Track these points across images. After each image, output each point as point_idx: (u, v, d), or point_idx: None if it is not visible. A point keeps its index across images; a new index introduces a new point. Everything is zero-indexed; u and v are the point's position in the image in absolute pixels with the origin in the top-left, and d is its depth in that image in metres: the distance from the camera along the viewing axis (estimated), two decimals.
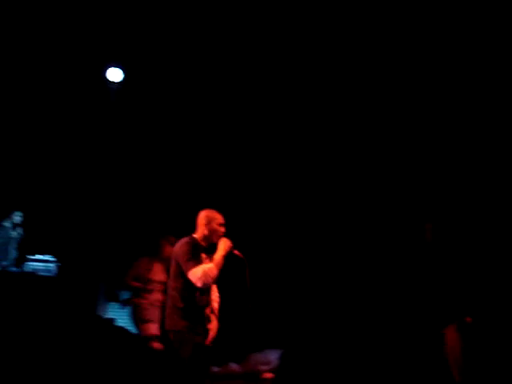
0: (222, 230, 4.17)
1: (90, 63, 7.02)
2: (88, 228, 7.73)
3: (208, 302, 4.09)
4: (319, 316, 7.03)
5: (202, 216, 4.19)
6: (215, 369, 6.08)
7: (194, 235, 4.16)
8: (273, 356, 6.45)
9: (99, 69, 7.06)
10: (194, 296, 3.96)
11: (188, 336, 3.91)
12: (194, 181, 7.60)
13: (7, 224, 7.51)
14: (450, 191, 6.91)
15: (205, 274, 3.85)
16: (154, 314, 5.70)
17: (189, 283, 3.93)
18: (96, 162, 7.89)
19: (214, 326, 4.13)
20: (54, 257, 7.45)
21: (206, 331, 4.04)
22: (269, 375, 6.19)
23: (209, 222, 4.15)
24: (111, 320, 6.56)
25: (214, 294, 4.30)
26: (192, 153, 7.62)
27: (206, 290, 4.04)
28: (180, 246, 4.05)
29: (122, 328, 6.39)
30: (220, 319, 4.54)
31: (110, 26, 6.53)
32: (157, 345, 5.50)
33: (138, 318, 5.77)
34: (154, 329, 5.64)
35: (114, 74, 7.13)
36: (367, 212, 7.32)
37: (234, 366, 6.32)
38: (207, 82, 7.17)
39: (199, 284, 3.86)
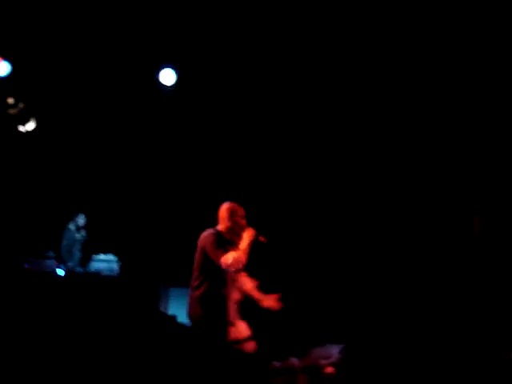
0: (244, 222, 4.29)
1: (143, 65, 7.17)
2: (149, 228, 7.91)
3: (228, 294, 4.19)
4: (379, 310, 6.96)
5: (224, 209, 4.35)
6: (276, 364, 6.12)
7: (218, 228, 4.31)
8: (334, 350, 6.42)
9: (153, 71, 7.21)
10: (215, 286, 4.07)
11: (205, 326, 4.10)
12: (245, 179, 7.66)
13: (71, 226, 7.80)
14: (497, 182, 6.70)
15: (235, 259, 4.02)
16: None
17: (215, 273, 4.11)
18: (152, 162, 8.06)
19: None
20: (117, 257, 7.69)
21: (227, 322, 4.16)
22: (330, 369, 6.17)
23: (232, 214, 4.30)
24: (174, 317, 6.69)
25: (242, 281, 4.43)
26: (248, 151, 7.68)
27: (227, 280, 4.17)
28: (206, 237, 4.21)
29: (183, 325, 6.51)
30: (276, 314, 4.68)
31: (163, 28, 6.65)
32: (251, 346, 5.39)
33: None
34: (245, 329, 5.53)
35: (167, 77, 7.23)
36: (412, 206, 7.20)
37: (294, 361, 6.33)
38: (255, 85, 7.21)
39: (232, 269, 4.06)
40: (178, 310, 7.21)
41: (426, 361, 6.02)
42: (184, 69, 7.27)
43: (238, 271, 4.11)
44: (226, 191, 7.55)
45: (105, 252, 7.68)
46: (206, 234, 4.24)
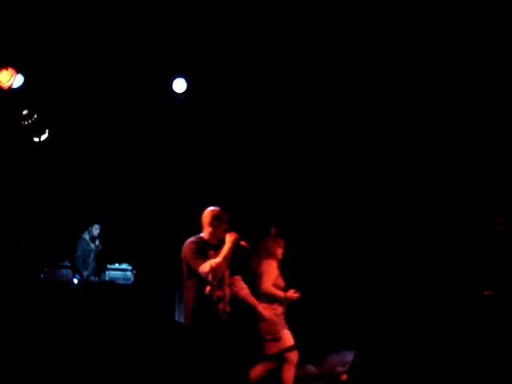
0: (226, 226, 4.25)
1: (155, 74, 7.21)
2: (163, 236, 7.92)
3: (221, 297, 4.16)
4: (390, 315, 6.90)
5: (206, 215, 4.31)
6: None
7: (201, 234, 4.27)
8: (350, 357, 6.37)
9: (165, 80, 7.24)
10: (205, 293, 4.05)
11: (194, 337, 4.04)
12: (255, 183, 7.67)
13: (86, 236, 7.84)
14: None
15: (212, 267, 3.98)
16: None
17: (199, 281, 4.06)
18: (165, 170, 8.08)
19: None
20: (131, 265, 7.71)
21: (220, 326, 4.13)
22: (346, 377, 6.12)
23: (213, 220, 4.25)
24: None
25: (238, 285, 4.44)
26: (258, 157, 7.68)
27: (217, 284, 4.12)
28: (186, 246, 4.19)
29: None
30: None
31: (174, 37, 6.68)
32: (295, 355, 5.20)
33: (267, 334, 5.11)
34: (290, 339, 5.22)
35: (179, 85, 7.26)
36: (432, 207, 7.14)
37: (310, 368, 6.28)
38: (264, 91, 7.22)
39: (210, 278, 4.00)
40: None
41: (437, 365, 5.96)
42: (194, 77, 7.29)
43: (216, 279, 4.05)
44: (233, 198, 7.61)
45: (119, 261, 7.70)
46: (186, 243, 4.22)
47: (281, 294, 5.12)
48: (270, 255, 5.29)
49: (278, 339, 5.09)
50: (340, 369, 6.10)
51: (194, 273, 4.08)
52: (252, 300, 4.53)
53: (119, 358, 5.86)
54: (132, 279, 7.55)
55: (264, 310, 4.56)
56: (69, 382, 5.37)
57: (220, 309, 4.17)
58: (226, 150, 7.69)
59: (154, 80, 7.27)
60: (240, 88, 7.28)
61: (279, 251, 5.37)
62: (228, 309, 4.24)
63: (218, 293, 4.16)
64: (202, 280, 4.06)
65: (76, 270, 7.63)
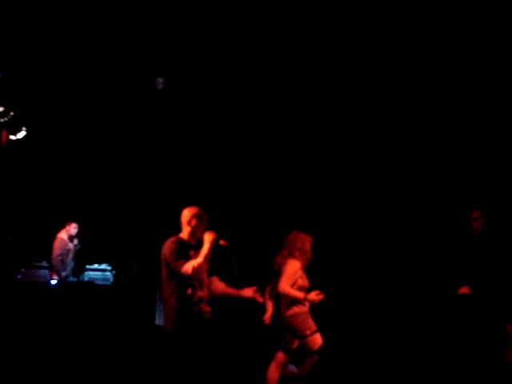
0: (205, 225, 4.22)
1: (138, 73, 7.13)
2: (144, 236, 7.85)
3: (202, 298, 4.14)
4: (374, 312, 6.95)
5: (184, 215, 4.26)
6: (294, 369, 6.08)
7: (181, 235, 4.23)
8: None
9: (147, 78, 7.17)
10: (186, 294, 4.02)
11: (177, 339, 4.01)
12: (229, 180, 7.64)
13: (64, 236, 7.71)
14: (498, 180, 6.73)
15: (194, 268, 3.92)
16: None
17: (182, 282, 4.02)
18: (145, 169, 8.01)
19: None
20: (111, 266, 7.62)
21: (203, 326, 4.10)
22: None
23: (190, 219, 4.21)
24: None
25: (214, 284, 4.39)
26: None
27: (198, 285, 4.10)
28: (166, 247, 4.13)
29: None
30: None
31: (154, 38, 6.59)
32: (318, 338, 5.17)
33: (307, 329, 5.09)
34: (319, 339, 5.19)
35: (159, 83, 7.19)
36: (408, 202, 7.21)
37: (292, 368, 6.28)
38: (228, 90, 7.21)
39: (191, 279, 3.97)
40: None
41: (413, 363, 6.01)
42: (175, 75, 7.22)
43: (198, 280, 4.03)
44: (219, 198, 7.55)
45: (99, 261, 7.61)
46: (166, 244, 4.15)
47: (299, 294, 5.04)
48: (296, 255, 5.24)
49: (317, 331, 5.10)
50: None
51: (174, 274, 4.02)
52: (232, 291, 4.45)
53: (99, 358, 5.82)
54: (111, 280, 7.46)
55: (247, 292, 4.42)
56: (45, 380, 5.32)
57: (202, 309, 4.13)
58: (208, 149, 7.63)
59: (132, 75, 7.16)
60: (235, 86, 7.22)
61: (308, 250, 5.33)
62: (209, 309, 4.21)
63: (200, 293, 4.12)
64: (183, 281, 4.01)
65: (54, 271, 7.50)
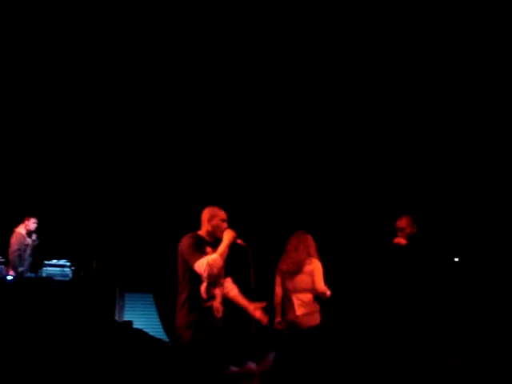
0: (225, 225, 4.27)
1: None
2: (104, 232, 7.78)
3: (216, 295, 4.16)
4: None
5: (205, 213, 4.31)
6: (233, 368, 6.12)
7: (199, 232, 4.27)
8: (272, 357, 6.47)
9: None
10: (200, 290, 4.05)
11: (186, 332, 4.01)
12: (198, 178, 7.62)
13: (22, 230, 7.58)
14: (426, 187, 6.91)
15: (209, 264, 3.95)
16: None
17: (195, 277, 4.03)
18: (108, 166, 7.93)
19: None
20: (70, 261, 7.52)
21: (213, 325, 4.10)
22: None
23: (211, 218, 4.26)
24: (129, 323, 6.61)
25: (228, 287, 4.38)
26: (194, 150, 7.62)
27: (213, 282, 4.11)
28: (184, 241, 4.16)
29: (139, 330, 6.44)
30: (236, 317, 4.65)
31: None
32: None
33: None
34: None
35: None
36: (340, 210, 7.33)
37: (251, 365, 6.35)
38: (203, 81, 7.14)
39: (205, 275, 3.96)
40: (135, 314, 7.14)
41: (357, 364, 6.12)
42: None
43: (211, 276, 4.04)
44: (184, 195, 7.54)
45: (58, 257, 7.50)
46: (184, 238, 4.18)
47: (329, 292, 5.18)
48: (315, 254, 5.27)
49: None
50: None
51: (189, 269, 4.04)
52: (243, 301, 4.44)
53: (56, 355, 5.74)
54: (70, 276, 7.37)
55: (255, 311, 4.41)
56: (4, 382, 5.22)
57: (214, 307, 4.13)
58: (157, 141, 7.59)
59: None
60: (240, 89, 7.18)
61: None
62: (222, 308, 4.20)
63: (214, 290, 4.13)
64: (196, 277, 4.02)
65: (11, 266, 7.37)
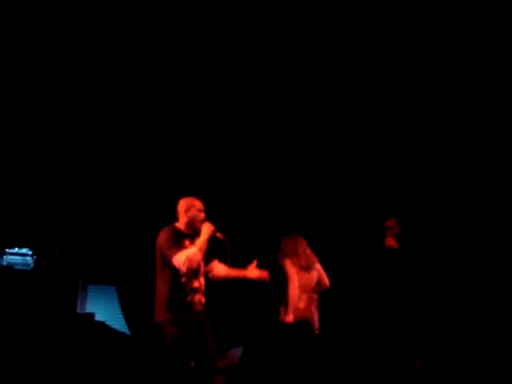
0: (202, 215, 4.24)
1: None
2: (66, 220, 7.63)
3: (197, 288, 4.12)
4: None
5: (182, 204, 4.28)
6: (193, 363, 6.09)
7: (176, 224, 4.20)
8: (239, 352, 6.48)
9: None
10: (180, 284, 4.00)
11: (169, 329, 3.95)
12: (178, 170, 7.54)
13: None
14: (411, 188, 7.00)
15: (188, 258, 3.90)
16: None
17: (174, 272, 3.98)
18: (73, 154, 7.77)
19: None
20: (32, 250, 7.36)
21: (194, 318, 4.06)
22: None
23: (188, 208, 4.23)
24: (90, 315, 6.52)
25: (218, 268, 4.38)
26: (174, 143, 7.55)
27: (192, 275, 4.07)
28: (161, 235, 4.12)
29: (101, 323, 6.36)
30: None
31: None
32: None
33: None
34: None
35: None
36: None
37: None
38: (194, 78, 7.08)
39: (183, 269, 3.92)
40: (97, 307, 7.04)
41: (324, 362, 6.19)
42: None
43: (190, 270, 3.98)
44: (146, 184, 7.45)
45: (19, 245, 7.34)
46: (162, 231, 4.14)
47: None
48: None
49: None
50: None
51: (167, 262, 3.98)
52: (237, 271, 4.40)
53: (14, 347, 5.62)
54: (32, 265, 7.21)
55: (252, 272, 4.38)
56: None
57: (195, 300, 4.10)
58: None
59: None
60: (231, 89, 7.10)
61: None
62: (203, 300, 4.18)
63: (194, 284, 4.09)
64: (176, 271, 3.97)
65: None
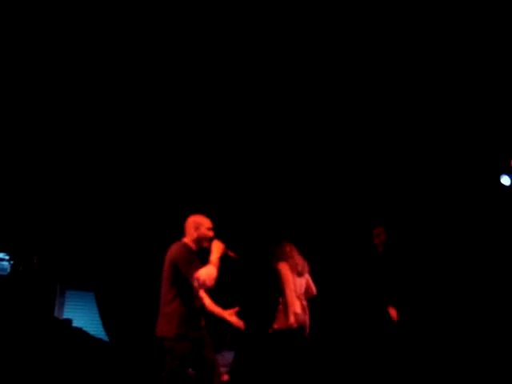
0: (211, 234, 4.24)
1: None
2: (44, 225, 7.55)
3: (200, 306, 4.15)
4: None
5: (190, 222, 4.26)
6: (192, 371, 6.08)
7: (184, 240, 4.21)
8: (231, 358, 6.47)
9: None
10: (191, 301, 4.01)
11: (178, 345, 3.95)
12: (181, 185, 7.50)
13: None
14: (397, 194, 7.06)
15: (208, 276, 3.91)
16: None
17: (187, 289, 3.99)
18: (53, 158, 7.69)
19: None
20: (8, 255, 7.27)
21: (200, 333, 4.09)
22: (226, 377, 6.20)
23: (197, 227, 4.22)
24: (68, 321, 6.45)
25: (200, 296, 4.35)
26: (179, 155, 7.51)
27: (197, 293, 4.10)
28: (178, 251, 4.09)
29: (79, 329, 6.30)
30: None
31: None
32: None
33: None
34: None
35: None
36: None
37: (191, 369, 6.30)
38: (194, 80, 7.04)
39: (203, 287, 3.96)
40: (74, 313, 6.98)
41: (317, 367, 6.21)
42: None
43: (208, 288, 3.99)
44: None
45: None
46: (177, 247, 4.12)
47: None
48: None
49: None
50: (222, 369, 6.17)
51: (181, 279, 3.97)
52: (216, 308, 4.45)
53: None
54: (9, 270, 7.11)
55: (231, 316, 4.45)
56: None
57: (201, 317, 4.15)
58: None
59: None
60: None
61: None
62: (203, 318, 4.21)
63: (199, 302, 4.15)
64: (189, 287, 3.98)
65: None
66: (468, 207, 6.67)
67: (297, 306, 5.26)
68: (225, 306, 4.57)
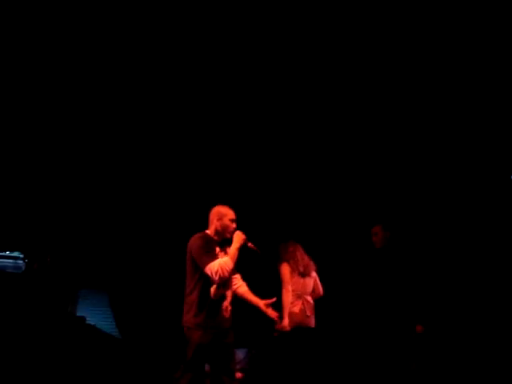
0: (234, 225, 4.23)
1: None
2: (58, 224, 7.64)
3: (225, 296, 4.14)
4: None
5: (214, 212, 4.27)
6: (207, 367, 6.11)
7: (207, 231, 4.24)
8: (241, 355, 6.49)
9: None
10: (209, 290, 4.02)
11: (195, 333, 3.97)
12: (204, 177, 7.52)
13: None
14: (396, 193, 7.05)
15: (221, 267, 3.92)
16: None
17: (205, 278, 4.00)
18: (67, 158, 7.78)
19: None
20: (23, 253, 7.37)
21: (221, 325, 4.07)
22: (239, 375, 6.23)
23: (220, 217, 4.22)
24: (82, 318, 6.52)
25: (237, 283, 4.33)
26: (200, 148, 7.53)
27: (223, 283, 4.10)
28: (194, 241, 4.11)
29: (92, 326, 6.36)
30: None
31: None
32: None
33: None
34: None
35: None
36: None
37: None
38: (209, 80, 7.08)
39: (216, 278, 3.93)
40: (87, 311, 7.05)
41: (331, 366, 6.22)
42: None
43: (222, 279, 3.97)
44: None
45: (11, 249, 7.35)
46: (194, 238, 4.13)
47: None
48: None
49: None
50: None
51: (199, 270, 3.99)
52: (252, 297, 4.34)
53: (5, 349, 5.62)
54: (23, 268, 7.23)
55: (266, 307, 4.31)
56: None
57: (223, 307, 4.09)
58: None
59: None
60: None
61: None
62: (230, 308, 4.16)
63: (222, 291, 4.09)
64: (206, 278, 3.98)
65: None
66: (473, 205, 6.65)
67: (294, 307, 5.28)
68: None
